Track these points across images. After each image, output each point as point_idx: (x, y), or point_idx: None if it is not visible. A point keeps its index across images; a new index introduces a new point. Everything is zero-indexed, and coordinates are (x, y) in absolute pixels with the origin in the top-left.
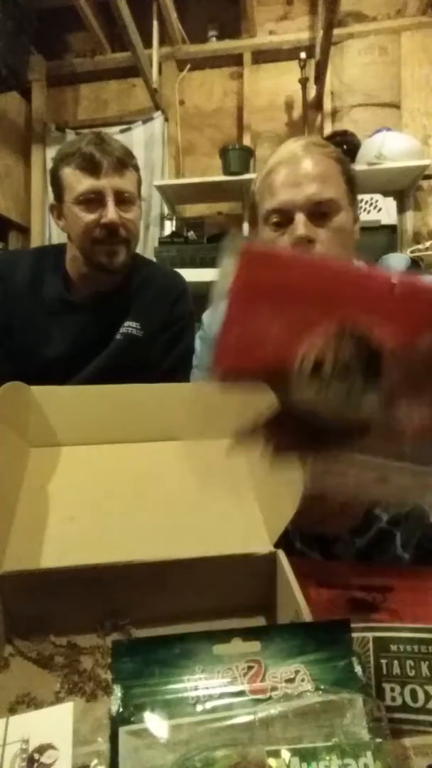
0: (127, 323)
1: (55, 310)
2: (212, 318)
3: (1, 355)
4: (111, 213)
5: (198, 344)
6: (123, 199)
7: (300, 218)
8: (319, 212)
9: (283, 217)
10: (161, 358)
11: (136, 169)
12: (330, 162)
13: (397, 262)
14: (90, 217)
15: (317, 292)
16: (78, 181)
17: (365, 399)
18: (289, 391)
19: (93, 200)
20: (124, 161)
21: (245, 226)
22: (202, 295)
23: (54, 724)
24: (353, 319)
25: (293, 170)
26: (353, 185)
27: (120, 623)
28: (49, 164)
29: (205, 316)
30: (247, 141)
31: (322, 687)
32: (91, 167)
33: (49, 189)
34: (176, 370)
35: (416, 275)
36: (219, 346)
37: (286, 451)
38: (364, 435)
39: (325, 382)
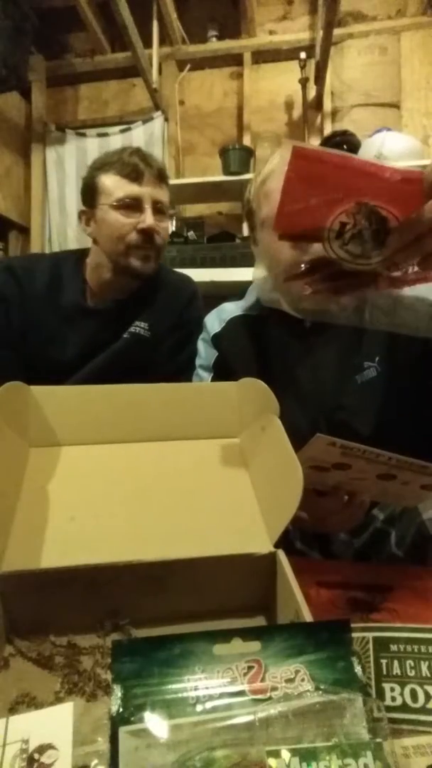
0: (136, 323)
1: (72, 316)
2: (213, 320)
3: (12, 358)
4: (149, 219)
5: (201, 345)
6: (158, 210)
7: None
8: None
9: None
10: (167, 360)
11: (168, 185)
12: None
13: None
14: (128, 221)
15: (343, 179)
16: (118, 187)
17: (373, 254)
18: (323, 246)
19: (131, 206)
20: (163, 175)
21: (245, 226)
22: (202, 295)
23: (54, 724)
24: (367, 198)
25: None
26: None
27: (120, 623)
28: (50, 164)
29: (207, 319)
30: (247, 141)
31: (322, 687)
32: (134, 174)
33: (49, 189)
34: (182, 372)
35: (412, 170)
36: (277, 215)
37: (319, 290)
38: (372, 280)
39: (346, 241)
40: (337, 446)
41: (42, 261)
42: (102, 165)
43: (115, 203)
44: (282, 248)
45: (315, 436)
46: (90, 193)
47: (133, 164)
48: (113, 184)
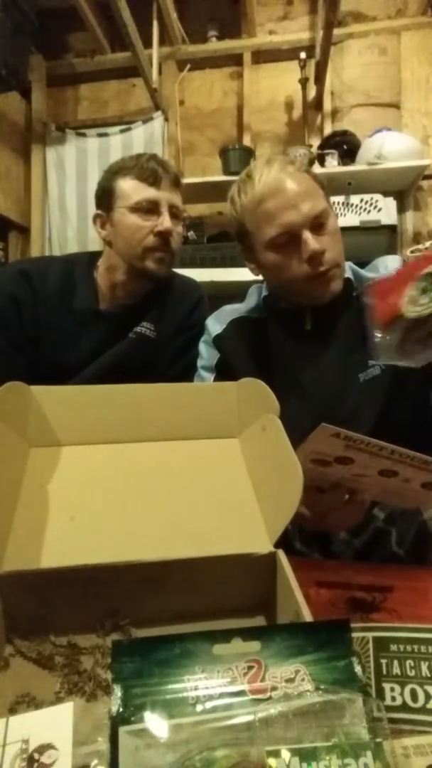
0: (142, 323)
1: (84, 320)
2: (214, 322)
3: (20, 360)
4: (166, 222)
5: (202, 347)
6: (174, 214)
7: (307, 235)
8: (318, 224)
9: (289, 238)
10: (172, 362)
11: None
12: (306, 177)
13: (391, 262)
14: (145, 224)
15: (403, 281)
16: (136, 191)
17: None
18: (405, 316)
19: (149, 209)
20: (178, 181)
21: None
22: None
23: (54, 724)
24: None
25: (284, 194)
26: (325, 189)
27: (120, 623)
28: (50, 164)
29: (208, 321)
30: (247, 141)
31: (322, 687)
32: (152, 179)
33: (49, 189)
34: (186, 375)
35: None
36: (373, 318)
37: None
38: None
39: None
40: (341, 437)
41: (54, 264)
42: (120, 169)
43: (133, 206)
44: (291, 264)
45: (319, 426)
46: (107, 196)
47: (152, 169)
48: (132, 188)
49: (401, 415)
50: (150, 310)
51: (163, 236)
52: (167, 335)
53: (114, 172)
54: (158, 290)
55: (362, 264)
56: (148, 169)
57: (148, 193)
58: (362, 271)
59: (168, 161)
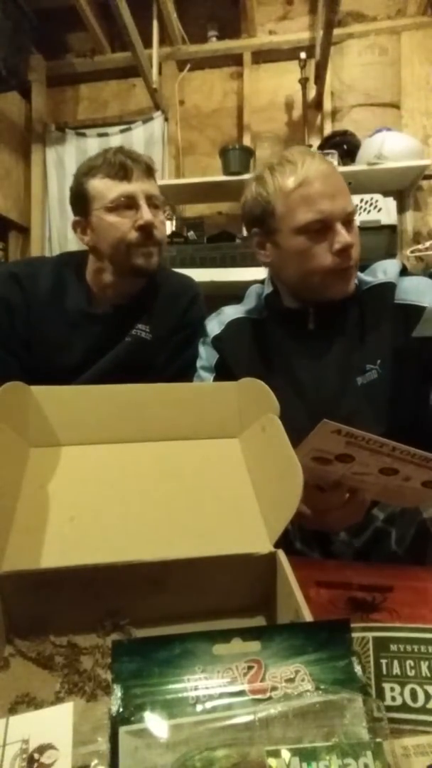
0: (138, 326)
1: (76, 322)
2: (213, 324)
3: (15, 363)
4: (146, 214)
5: (201, 348)
6: (153, 204)
7: (341, 228)
8: (347, 221)
9: (322, 227)
10: (169, 362)
11: (155, 177)
12: (340, 175)
13: (390, 267)
14: (125, 222)
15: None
16: (109, 189)
17: None
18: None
19: (126, 205)
20: (150, 168)
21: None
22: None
23: (54, 724)
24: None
25: (328, 183)
26: None
27: (120, 623)
28: (50, 164)
29: (207, 322)
30: (247, 141)
31: (322, 687)
32: (123, 173)
33: (49, 189)
34: (184, 374)
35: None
36: None
37: None
38: None
39: None
40: (342, 434)
41: (45, 266)
42: (88, 170)
43: (109, 205)
44: (319, 253)
45: (321, 422)
46: (81, 201)
47: (120, 162)
48: (104, 187)
49: (399, 420)
50: (144, 311)
51: (146, 229)
52: (163, 335)
53: (84, 173)
54: (151, 289)
55: (361, 267)
56: (116, 163)
57: (121, 188)
58: (361, 275)
59: (135, 150)
